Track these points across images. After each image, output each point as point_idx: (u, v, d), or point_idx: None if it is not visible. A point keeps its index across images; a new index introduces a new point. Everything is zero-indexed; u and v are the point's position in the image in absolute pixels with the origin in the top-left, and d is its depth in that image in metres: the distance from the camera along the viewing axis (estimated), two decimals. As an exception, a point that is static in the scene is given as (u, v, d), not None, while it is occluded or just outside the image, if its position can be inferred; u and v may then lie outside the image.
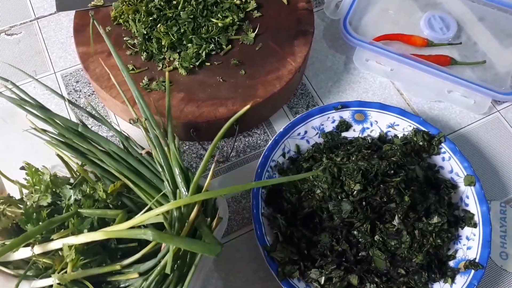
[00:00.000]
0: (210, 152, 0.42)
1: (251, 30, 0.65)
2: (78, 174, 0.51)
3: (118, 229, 0.41)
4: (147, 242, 0.42)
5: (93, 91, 0.68)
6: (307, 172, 0.57)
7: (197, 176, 0.42)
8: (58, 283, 0.41)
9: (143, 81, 0.61)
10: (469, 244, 0.54)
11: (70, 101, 0.51)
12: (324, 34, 0.74)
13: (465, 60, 0.72)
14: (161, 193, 0.44)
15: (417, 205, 0.52)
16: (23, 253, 0.44)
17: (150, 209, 0.42)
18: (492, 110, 0.69)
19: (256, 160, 0.63)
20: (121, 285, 0.44)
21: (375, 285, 0.50)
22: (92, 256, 0.43)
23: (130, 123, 0.55)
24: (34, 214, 0.45)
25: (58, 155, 0.51)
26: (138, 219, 0.40)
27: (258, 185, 0.52)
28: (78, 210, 0.44)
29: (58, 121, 0.49)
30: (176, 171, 0.44)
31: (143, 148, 0.48)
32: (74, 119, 0.65)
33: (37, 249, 0.43)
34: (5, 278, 0.44)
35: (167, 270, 0.38)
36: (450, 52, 0.73)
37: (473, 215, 0.55)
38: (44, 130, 0.49)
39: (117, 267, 0.43)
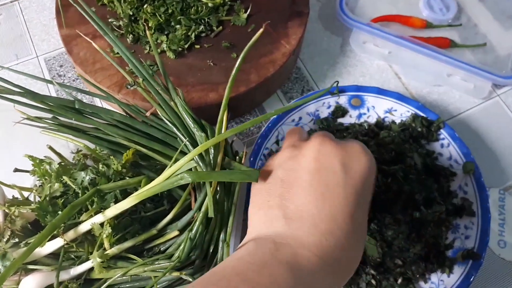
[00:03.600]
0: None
1: (243, 10, 0.62)
2: (76, 161, 0.50)
3: (151, 186, 0.39)
4: (172, 205, 0.44)
5: (78, 76, 0.65)
6: (301, 160, 0.55)
7: (221, 114, 0.42)
8: (101, 261, 0.40)
9: (130, 64, 0.58)
10: (468, 233, 0.53)
11: (59, 83, 0.48)
12: (320, 15, 0.71)
13: (465, 43, 0.70)
14: (178, 150, 0.42)
15: (415, 193, 0.51)
16: (51, 246, 0.42)
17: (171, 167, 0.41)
18: (492, 95, 0.67)
19: (249, 147, 0.61)
20: (162, 248, 0.44)
21: (371, 276, 0.49)
22: (124, 230, 0.42)
23: (127, 88, 0.53)
24: (50, 206, 0.44)
25: (50, 147, 0.49)
26: (170, 170, 0.39)
27: (279, 112, 0.48)
28: (98, 187, 0.43)
29: (51, 103, 0.46)
30: (189, 121, 0.43)
31: (146, 112, 0.46)
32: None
33: (69, 236, 0.42)
34: (43, 275, 0.42)
35: (210, 213, 0.38)
36: (450, 34, 0.70)
37: (472, 203, 0.54)
38: (38, 118, 0.46)
39: (154, 231, 0.43)
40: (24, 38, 0.69)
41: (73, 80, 0.65)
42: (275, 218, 0.35)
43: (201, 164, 0.40)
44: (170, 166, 0.41)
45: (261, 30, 0.37)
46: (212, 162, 0.40)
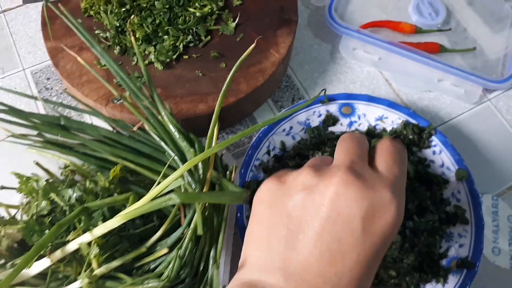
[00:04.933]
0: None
1: (231, 19, 0.61)
2: (64, 177, 0.49)
3: (139, 206, 0.39)
4: (162, 221, 0.43)
5: (66, 89, 0.64)
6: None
7: (211, 129, 0.41)
8: (89, 282, 0.39)
9: (117, 78, 0.57)
10: (461, 241, 0.52)
11: (44, 99, 0.47)
12: (309, 22, 0.71)
13: (454, 47, 0.70)
14: (167, 165, 0.42)
15: (408, 203, 0.50)
16: (38, 266, 0.41)
17: (159, 184, 0.40)
18: (483, 99, 0.66)
19: (240, 158, 0.60)
20: (152, 266, 0.43)
21: None
22: (113, 248, 0.41)
23: (113, 102, 0.52)
24: (37, 225, 0.43)
25: (37, 163, 0.48)
26: (157, 188, 0.38)
27: (267, 124, 0.46)
28: (85, 205, 0.42)
29: (36, 120, 0.45)
30: (177, 135, 0.42)
31: (132, 127, 0.46)
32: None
33: (56, 256, 0.41)
34: None
35: (199, 231, 0.37)
36: (440, 39, 0.70)
37: (465, 211, 0.54)
38: (23, 135, 0.45)
39: (143, 249, 0.42)
40: (10, 51, 0.68)
41: (61, 93, 0.64)
42: (275, 269, 0.31)
43: (190, 181, 0.40)
44: (158, 183, 0.40)
45: (252, 45, 0.37)
46: (201, 178, 0.39)
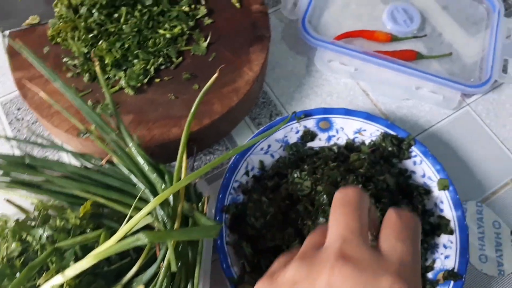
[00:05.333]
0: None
1: (203, 39, 0.60)
2: (37, 212, 0.47)
3: (107, 247, 0.37)
4: (139, 254, 0.40)
5: (37, 119, 0.63)
6: (272, 191, 0.53)
7: (178, 161, 0.40)
8: None
9: (82, 111, 0.55)
10: (447, 252, 0.52)
11: (8, 137, 0.46)
12: (283, 35, 0.70)
13: (431, 53, 0.69)
14: (137, 197, 0.40)
15: (389, 218, 0.49)
16: None
17: (131, 218, 0.39)
18: (462, 104, 0.66)
19: (218, 180, 0.59)
20: None
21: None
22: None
23: (80, 136, 0.51)
24: (7, 268, 0.41)
25: (8, 200, 0.47)
26: (126, 227, 0.37)
27: (237, 152, 0.45)
28: (56, 246, 0.41)
29: (0, 160, 0.44)
30: (146, 167, 0.41)
31: (101, 160, 0.44)
32: (18, 153, 0.60)
33: None
34: None
35: (173, 268, 0.36)
36: (416, 46, 0.70)
37: (449, 221, 0.53)
38: None
39: (118, 287, 0.40)
40: (-21, 81, 0.66)
41: (32, 124, 0.62)
42: None
43: (162, 215, 0.38)
44: (129, 218, 0.39)
45: (215, 75, 0.36)
46: (167, 219, 0.38)
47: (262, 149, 0.57)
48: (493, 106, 0.66)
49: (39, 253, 0.43)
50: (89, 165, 0.44)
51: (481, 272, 0.55)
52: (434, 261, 0.52)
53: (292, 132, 0.58)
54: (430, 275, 0.51)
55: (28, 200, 0.48)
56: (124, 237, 0.37)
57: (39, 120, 0.60)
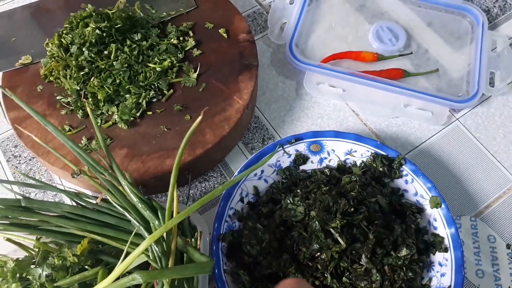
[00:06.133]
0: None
1: (192, 70, 0.62)
2: (37, 250, 0.48)
3: (104, 286, 0.38)
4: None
5: (34, 156, 0.64)
6: (267, 217, 0.54)
7: (169, 200, 0.40)
8: None
9: (82, 141, 0.57)
10: (443, 270, 0.52)
11: (2, 180, 0.47)
12: (272, 60, 0.72)
13: (418, 70, 0.71)
14: (133, 234, 0.41)
15: (383, 239, 0.50)
16: None
17: (128, 254, 0.39)
18: (451, 119, 0.67)
19: (213, 208, 0.60)
20: None
21: (350, 332, 0.48)
22: None
23: (74, 177, 0.52)
24: None
25: (8, 239, 0.48)
26: (121, 267, 0.38)
27: (226, 187, 0.46)
28: (54, 285, 0.41)
29: None
30: (139, 205, 0.42)
31: (96, 199, 0.45)
32: (16, 189, 0.61)
33: None
34: None
35: None
36: (403, 63, 0.71)
37: (443, 238, 0.53)
38: None
39: None
40: (-24, 121, 0.67)
41: (29, 160, 0.64)
42: None
43: (155, 252, 0.39)
44: (126, 254, 0.39)
45: (199, 118, 0.37)
46: (162, 256, 0.38)
47: (255, 174, 0.58)
48: (482, 120, 0.67)
49: (39, 293, 0.43)
50: (84, 204, 0.45)
51: None
52: (430, 279, 0.52)
53: (284, 157, 0.59)
54: (427, 293, 0.51)
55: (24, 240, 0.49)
56: (121, 276, 0.38)
57: (35, 158, 0.62)
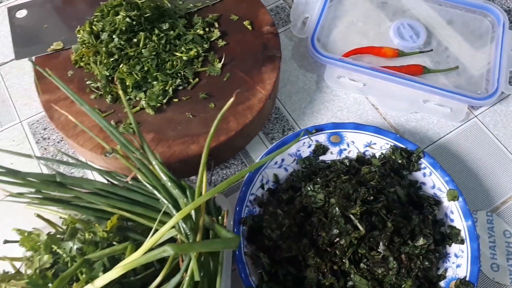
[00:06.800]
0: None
1: (217, 60, 0.63)
2: (65, 227, 0.50)
3: (135, 258, 0.40)
4: (162, 265, 0.43)
5: (62, 138, 0.66)
6: (287, 204, 0.55)
7: (199, 177, 0.42)
8: None
9: (107, 132, 0.59)
10: (458, 261, 0.53)
11: (39, 157, 0.49)
12: (293, 54, 0.73)
13: (437, 67, 0.71)
14: (162, 211, 0.43)
15: (401, 228, 0.51)
16: None
17: (156, 231, 0.41)
18: (470, 116, 0.68)
19: (235, 194, 0.61)
20: None
21: (366, 316, 0.49)
22: None
23: (106, 155, 0.54)
24: (40, 279, 0.44)
25: (38, 215, 0.50)
26: (151, 240, 0.39)
27: (252, 169, 0.47)
28: (85, 257, 0.43)
29: (33, 179, 0.47)
30: (168, 183, 0.44)
31: (126, 177, 0.47)
32: (45, 170, 0.63)
33: None
34: None
35: (196, 278, 0.38)
36: (422, 60, 0.72)
37: (459, 230, 0.54)
38: (21, 193, 0.47)
39: None
40: (6, 104, 0.70)
41: (58, 142, 0.66)
42: None
43: (183, 228, 0.41)
44: (154, 231, 0.41)
45: (232, 99, 0.38)
46: (194, 225, 0.40)
47: (276, 163, 0.59)
48: (500, 117, 0.68)
49: (69, 264, 0.45)
50: (115, 182, 0.47)
51: (493, 281, 0.56)
52: (446, 270, 0.53)
53: (304, 147, 0.60)
54: (442, 283, 0.52)
55: (56, 215, 0.51)
56: (151, 249, 0.40)
57: (64, 139, 0.64)
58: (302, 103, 0.69)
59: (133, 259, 0.40)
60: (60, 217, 0.53)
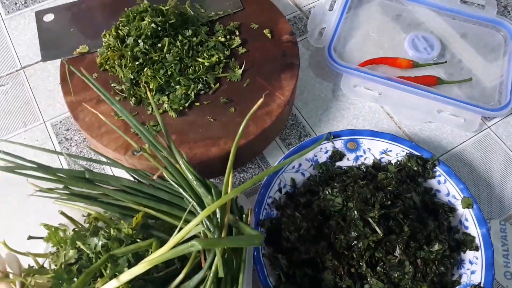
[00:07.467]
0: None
1: (238, 66, 0.65)
2: (87, 225, 0.51)
3: (162, 253, 0.41)
4: (183, 263, 0.44)
5: (84, 139, 0.68)
6: (304, 207, 0.57)
7: (227, 176, 0.44)
8: None
9: (136, 131, 0.60)
10: (473, 268, 0.54)
11: (67, 154, 0.50)
12: (310, 63, 0.75)
13: (451, 79, 0.73)
14: (187, 210, 0.44)
15: (417, 233, 0.52)
16: None
17: (181, 229, 0.42)
18: (483, 127, 0.69)
19: (253, 196, 0.63)
20: None
21: (382, 319, 0.50)
22: None
23: (134, 154, 0.55)
24: (65, 274, 0.45)
25: (61, 212, 0.51)
26: (178, 236, 0.40)
27: (275, 169, 0.49)
28: (111, 253, 0.44)
29: (62, 175, 0.48)
30: (194, 182, 0.45)
31: (152, 175, 0.49)
32: (66, 166, 0.65)
33: None
34: None
35: (220, 274, 0.39)
36: (436, 72, 0.74)
37: (474, 238, 0.55)
38: (51, 189, 0.48)
39: None
40: (30, 104, 0.72)
41: (80, 143, 0.68)
42: None
43: (208, 225, 0.42)
44: (180, 229, 0.42)
45: (260, 100, 0.40)
46: (219, 222, 0.42)
47: (293, 167, 0.61)
48: (513, 129, 0.69)
49: (94, 260, 0.47)
50: (142, 180, 0.48)
51: (506, 289, 0.57)
52: (460, 276, 0.54)
53: (321, 152, 0.62)
54: (457, 289, 0.53)
55: (78, 212, 0.53)
56: (176, 245, 0.41)
57: (88, 140, 0.66)
58: (318, 110, 0.70)
59: (160, 254, 0.41)
60: (83, 215, 0.54)
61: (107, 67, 0.65)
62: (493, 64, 0.75)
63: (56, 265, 0.48)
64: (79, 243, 0.48)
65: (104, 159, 0.50)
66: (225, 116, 0.62)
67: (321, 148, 0.62)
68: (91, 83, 0.48)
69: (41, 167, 0.46)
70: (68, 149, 0.67)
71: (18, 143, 0.49)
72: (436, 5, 0.80)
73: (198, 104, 0.63)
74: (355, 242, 0.51)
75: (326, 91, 0.72)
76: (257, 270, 0.52)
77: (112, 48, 0.65)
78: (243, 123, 0.43)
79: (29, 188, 0.48)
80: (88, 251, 0.47)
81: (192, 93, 0.62)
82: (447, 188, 0.59)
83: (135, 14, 0.65)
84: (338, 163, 0.62)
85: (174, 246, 0.41)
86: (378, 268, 0.51)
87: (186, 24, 0.67)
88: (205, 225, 0.42)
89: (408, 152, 0.61)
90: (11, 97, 0.73)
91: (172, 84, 0.63)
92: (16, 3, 0.82)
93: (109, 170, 0.65)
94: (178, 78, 0.62)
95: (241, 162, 0.65)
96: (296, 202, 0.58)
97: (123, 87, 0.63)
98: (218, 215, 0.43)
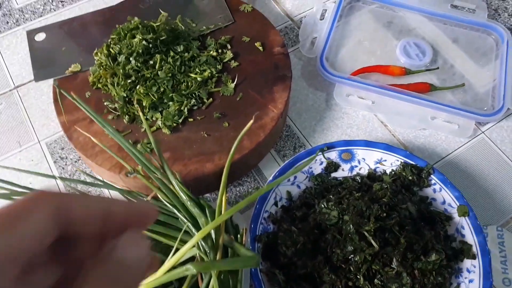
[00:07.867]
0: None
1: (230, 81, 0.65)
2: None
3: (157, 277, 0.41)
4: (180, 283, 0.44)
5: (79, 157, 0.68)
6: (301, 221, 0.57)
7: (220, 196, 0.44)
8: None
9: (129, 153, 0.60)
10: (471, 276, 0.54)
11: (62, 177, 0.51)
12: (302, 73, 0.75)
13: (444, 85, 0.73)
14: (182, 231, 0.44)
15: (413, 244, 0.52)
16: None
17: (177, 250, 0.42)
18: (477, 132, 0.69)
19: (249, 210, 0.63)
20: None
21: (381, 332, 0.50)
22: None
23: (127, 176, 0.55)
24: None
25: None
26: (173, 259, 0.40)
27: (270, 187, 0.49)
28: None
29: None
30: (188, 202, 0.46)
31: (147, 196, 0.49)
32: (63, 189, 0.65)
33: None
34: None
35: None
36: (429, 78, 0.74)
37: (471, 246, 0.55)
38: None
39: None
40: (25, 124, 0.72)
41: (75, 161, 0.68)
42: None
43: (203, 246, 0.42)
44: (176, 250, 0.42)
45: (251, 121, 0.40)
46: (213, 244, 0.42)
47: (289, 180, 0.61)
48: (507, 133, 0.69)
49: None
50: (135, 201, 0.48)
51: (505, 295, 0.57)
52: (458, 285, 0.54)
53: (316, 164, 0.62)
54: (455, 299, 0.53)
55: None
56: (172, 268, 0.41)
57: (82, 159, 0.66)
58: (312, 120, 0.70)
59: (155, 278, 0.41)
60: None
61: (99, 85, 0.65)
62: (485, 68, 0.75)
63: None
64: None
65: (99, 182, 0.50)
66: (219, 131, 0.62)
67: (316, 160, 0.62)
68: (81, 106, 0.48)
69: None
70: (63, 168, 0.67)
71: (13, 168, 0.49)
72: (427, 11, 0.80)
73: (191, 119, 0.63)
74: (352, 255, 0.51)
75: (319, 101, 0.72)
76: (255, 286, 0.52)
77: (104, 67, 0.65)
78: (236, 142, 0.43)
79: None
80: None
81: (186, 108, 0.62)
82: (442, 196, 0.59)
83: (126, 32, 0.65)
84: (333, 174, 0.62)
85: (169, 270, 0.41)
86: (375, 280, 0.51)
87: (178, 40, 0.67)
88: (200, 247, 0.42)
89: (402, 161, 0.61)
90: (5, 117, 0.73)
91: (165, 101, 0.63)
92: (7, 22, 0.82)
93: (105, 191, 0.65)
94: (171, 95, 0.62)
95: (236, 176, 0.65)
96: (292, 215, 0.58)
97: (116, 105, 0.63)
98: (213, 236, 0.43)
